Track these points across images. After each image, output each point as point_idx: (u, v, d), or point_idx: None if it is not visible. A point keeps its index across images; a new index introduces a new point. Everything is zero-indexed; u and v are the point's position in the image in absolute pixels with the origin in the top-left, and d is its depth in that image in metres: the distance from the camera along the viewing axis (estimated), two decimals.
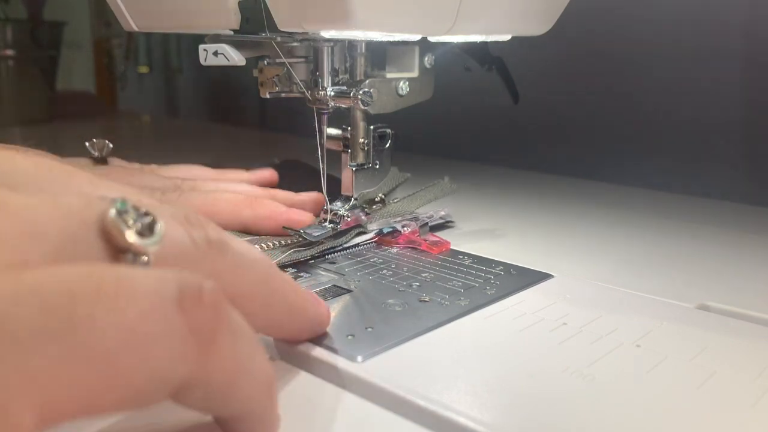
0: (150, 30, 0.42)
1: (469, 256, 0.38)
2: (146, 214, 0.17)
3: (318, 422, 0.22)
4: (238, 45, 0.37)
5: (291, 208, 0.39)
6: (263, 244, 0.36)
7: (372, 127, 0.42)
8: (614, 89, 0.63)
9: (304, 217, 0.39)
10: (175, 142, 0.96)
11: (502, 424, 0.21)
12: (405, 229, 0.40)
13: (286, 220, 0.38)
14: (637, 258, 0.40)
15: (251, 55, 0.38)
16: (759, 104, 0.54)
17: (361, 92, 0.38)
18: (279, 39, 0.37)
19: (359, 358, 0.25)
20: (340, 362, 0.25)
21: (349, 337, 0.27)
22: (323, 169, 0.38)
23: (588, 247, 0.42)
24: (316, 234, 0.37)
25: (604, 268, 0.38)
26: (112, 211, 0.17)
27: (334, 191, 0.41)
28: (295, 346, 0.26)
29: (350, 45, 0.40)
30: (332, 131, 0.42)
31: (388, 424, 0.22)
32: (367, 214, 0.41)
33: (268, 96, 0.39)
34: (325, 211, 0.39)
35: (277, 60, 0.38)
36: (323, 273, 0.35)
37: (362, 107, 0.39)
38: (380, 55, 0.41)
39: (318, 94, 0.39)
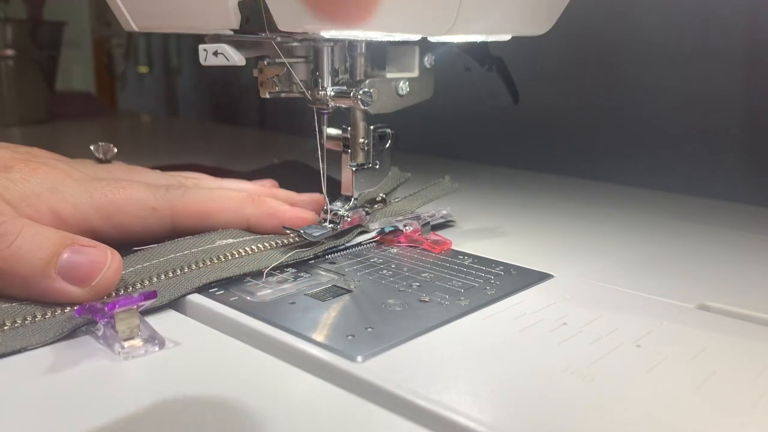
0: (150, 30, 0.42)
1: (469, 256, 0.38)
2: None
3: (318, 422, 0.22)
4: (238, 45, 0.37)
5: (293, 206, 0.40)
6: (265, 243, 0.36)
7: (372, 127, 0.42)
8: (614, 89, 0.63)
9: (307, 215, 0.39)
10: (175, 142, 0.96)
11: (502, 424, 0.21)
12: (407, 228, 0.40)
13: (289, 218, 0.38)
14: (637, 258, 0.40)
15: (251, 55, 0.38)
16: (759, 104, 0.54)
17: (361, 92, 0.38)
18: (279, 39, 0.37)
19: (359, 358, 0.25)
20: (340, 362, 0.25)
21: (349, 337, 0.27)
22: (323, 169, 0.38)
23: (588, 247, 0.42)
24: (317, 234, 0.37)
25: (604, 268, 0.38)
26: None
27: (334, 191, 0.41)
28: (295, 345, 0.26)
29: (350, 45, 0.40)
30: (332, 131, 0.42)
31: (388, 424, 0.22)
32: (367, 213, 0.41)
33: (268, 96, 0.39)
34: (326, 211, 0.39)
35: (277, 60, 0.38)
36: (323, 273, 0.35)
37: (362, 107, 0.39)
38: (380, 55, 0.41)
39: (318, 94, 0.39)
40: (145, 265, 0.32)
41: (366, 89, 0.38)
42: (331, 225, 0.38)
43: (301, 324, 0.28)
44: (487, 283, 0.33)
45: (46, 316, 0.28)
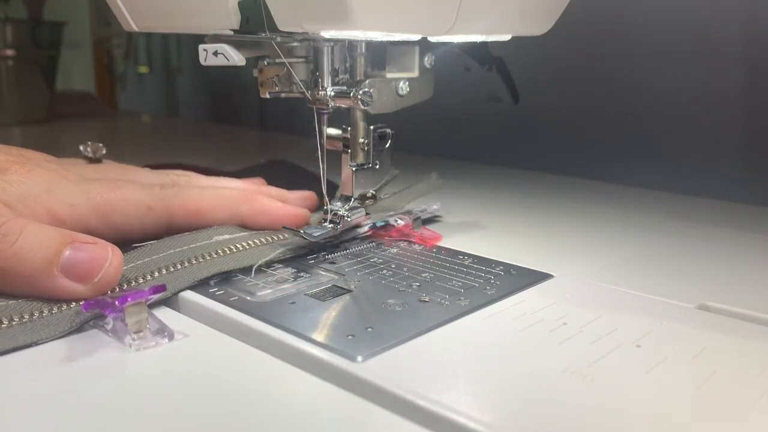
0: (150, 30, 0.42)
1: (469, 256, 0.38)
2: None
3: (318, 422, 0.22)
4: (238, 45, 0.37)
5: (285, 204, 0.40)
6: (262, 239, 0.36)
7: (372, 127, 0.42)
8: (614, 89, 0.63)
9: (300, 212, 0.39)
10: (175, 142, 0.96)
11: (502, 424, 0.21)
12: (398, 222, 0.40)
13: (282, 215, 0.39)
14: (637, 258, 0.40)
15: (251, 55, 0.38)
16: (759, 104, 0.54)
17: (361, 92, 0.38)
18: (279, 39, 0.37)
19: (359, 358, 0.25)
20: (340, 362, 0.25)
21: (349, 337, 0.27)
22: (323, 169, 0.38)
23: (588, 247, 0.42)
24: (317, 234, 0.37)
25: (604, 268, 0.38)
26: None
27: (331, 192, 0.41)
28: (295, 345, 0.26)
29: (350, 45, 0.40)
30: (332, 131, 0.42)
31: (388, 424, 0.22)
32: (367, 214, 0.41)
33: (268, 96, 0.39)
34: (325, 212, 0.39)
35: (277, 60, 0.38)
36: (323, 273, 0.35)
37: (362, 107, 0.39)
38: (380, 55, 0.41)
39: (318, 94, 0.39)
40: (145, 260, 0.33)
41: (366, 89, 0.38)
42: (331, 225, 0.38)
43: (301, 324, 0.28)
44: (487, 283, 0.33)
45: (53, 312, 0.28)
